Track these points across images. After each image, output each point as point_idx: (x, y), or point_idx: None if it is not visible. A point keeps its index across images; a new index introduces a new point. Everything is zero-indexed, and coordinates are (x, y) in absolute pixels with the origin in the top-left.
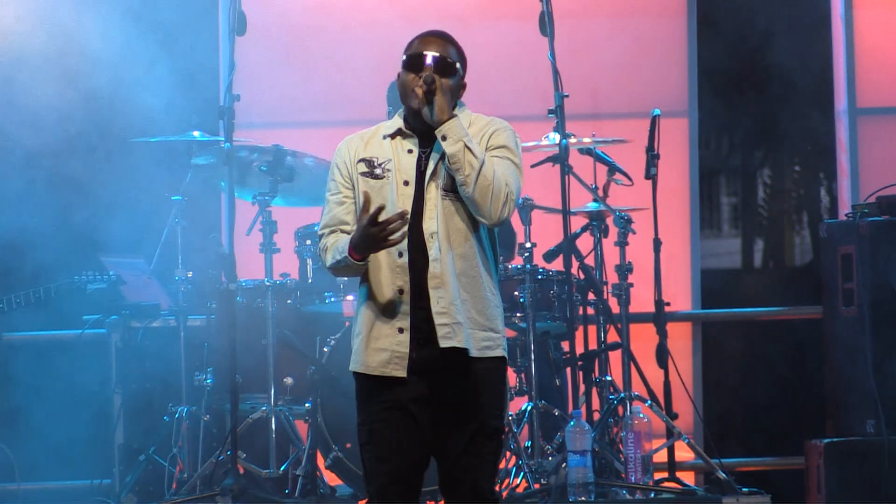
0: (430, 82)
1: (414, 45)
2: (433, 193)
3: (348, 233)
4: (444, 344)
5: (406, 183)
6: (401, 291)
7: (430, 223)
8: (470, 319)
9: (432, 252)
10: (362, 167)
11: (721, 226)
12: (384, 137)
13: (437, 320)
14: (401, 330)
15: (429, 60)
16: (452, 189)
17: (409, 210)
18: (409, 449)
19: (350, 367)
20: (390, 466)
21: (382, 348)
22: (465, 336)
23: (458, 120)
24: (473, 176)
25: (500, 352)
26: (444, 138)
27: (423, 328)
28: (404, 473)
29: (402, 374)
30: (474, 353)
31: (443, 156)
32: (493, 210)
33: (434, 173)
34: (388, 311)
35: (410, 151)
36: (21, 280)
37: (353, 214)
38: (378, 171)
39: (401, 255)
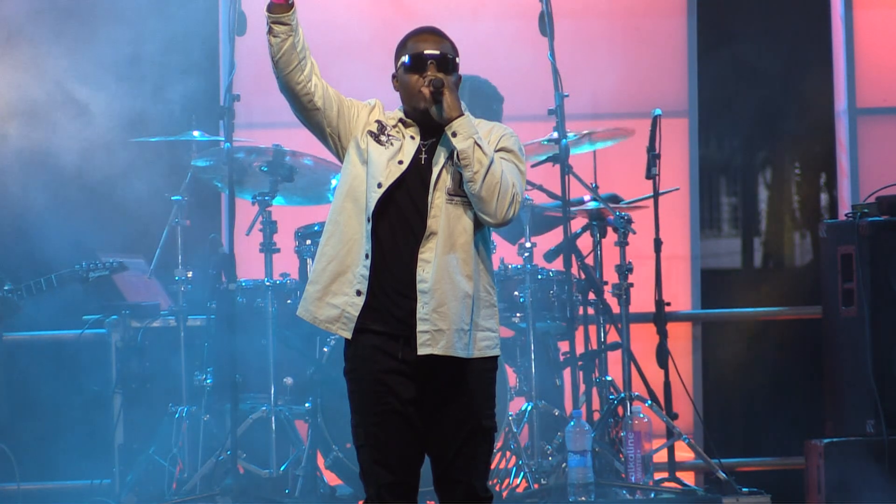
0: (440, 85)
1: (409, 45)
2: (439, 196)
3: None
4: (421, 351)
5: (401, 162)
6: (366, 256)
7: (434, 222)
8: (471, 321)
9: (426, 253)
10: (374, 127)
11: (721, 226)
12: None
13: (419, 326)
14: (358, 293)
15: (433, 54)
16: (458, 193)
17: (385, 183)
18: (405, 450)
19: (298, 311)
20: (389, 469)
21: (335, 304)
22: (453, 341)
23: (468, 117)
24: (482, 173)
25: (497, 350)
26: (454, 135)
27: (412, 324)
28: (402, 474)
29: (348, 335)
30: (475, 353)
31: (449, 157)
32: (499, 209)
33: (439, 176)
34: (351, 271)
35: (413, 138)
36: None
37: (333, 106)
38: (384, 138)
39: (369, 220)
